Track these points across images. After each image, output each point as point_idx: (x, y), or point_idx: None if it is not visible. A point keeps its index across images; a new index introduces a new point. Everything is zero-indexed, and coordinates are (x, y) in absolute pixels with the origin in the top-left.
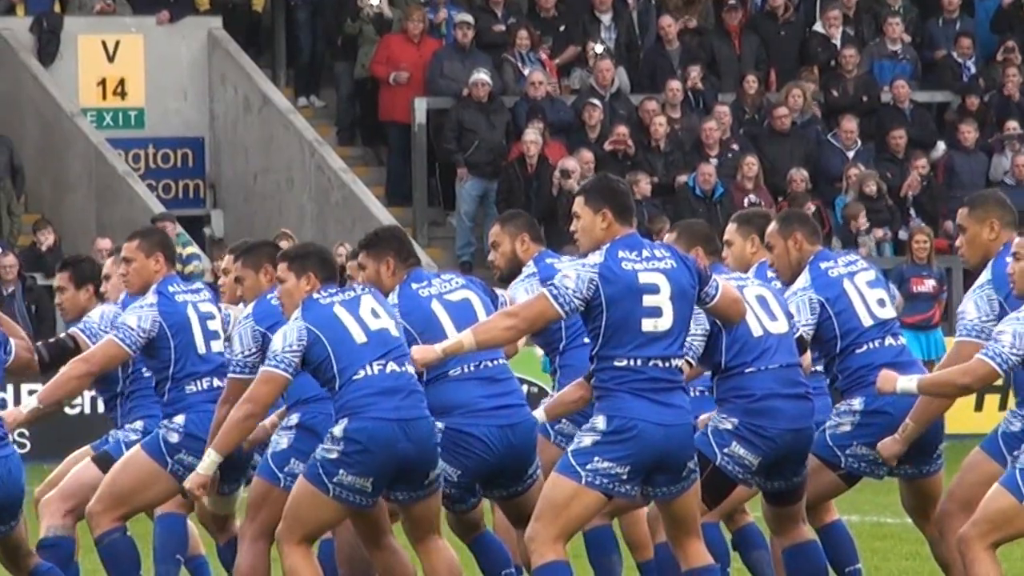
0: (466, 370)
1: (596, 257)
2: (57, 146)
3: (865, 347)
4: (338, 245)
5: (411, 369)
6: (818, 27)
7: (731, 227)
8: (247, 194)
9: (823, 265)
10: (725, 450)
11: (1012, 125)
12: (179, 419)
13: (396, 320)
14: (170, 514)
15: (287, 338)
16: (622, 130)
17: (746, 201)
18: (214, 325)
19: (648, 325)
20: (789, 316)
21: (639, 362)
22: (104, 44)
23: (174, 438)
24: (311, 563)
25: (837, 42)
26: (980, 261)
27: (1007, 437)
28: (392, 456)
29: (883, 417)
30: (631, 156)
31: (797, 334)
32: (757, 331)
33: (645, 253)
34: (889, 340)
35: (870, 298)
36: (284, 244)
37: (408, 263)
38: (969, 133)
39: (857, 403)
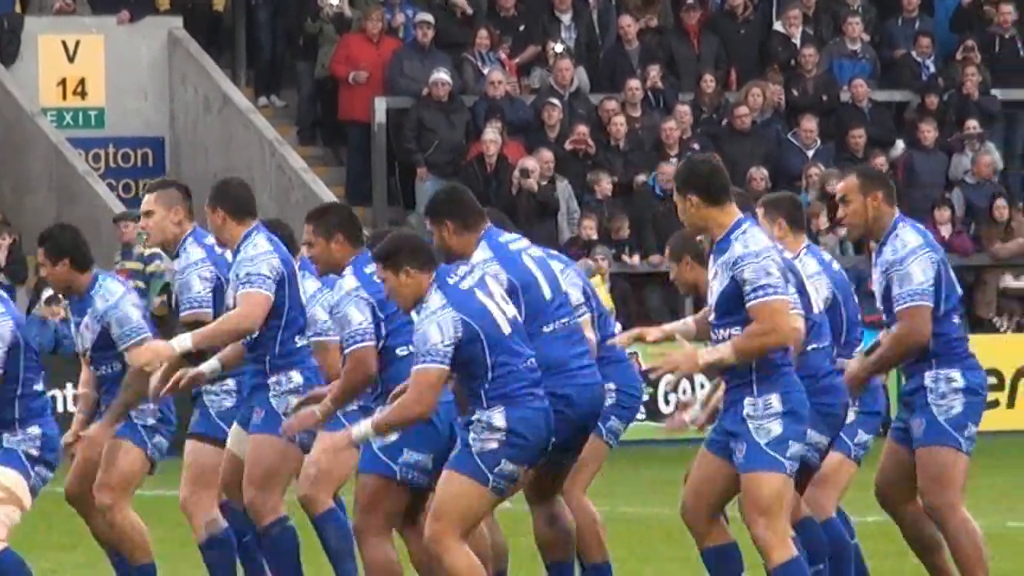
0: (557, 327)
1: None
2: (17, 146)
3: (958, 318)
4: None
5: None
6: (778, 26)
7: (759, 212)
8: (208, 193)
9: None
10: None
11: (971, 124)
12: (296, 377)
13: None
14: (333, 510)
15: (443, 331)
16: (582, 129)
17: None
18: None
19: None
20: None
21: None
22: (64, 44)
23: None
24: (474, 559)
25: (797, 41)
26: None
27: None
28: (547, 442)
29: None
30: (591, 155)
31: (912, 304)
32: (816, 309)
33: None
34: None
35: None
36: None
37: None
38: (929, 132)
39: (958, 378)
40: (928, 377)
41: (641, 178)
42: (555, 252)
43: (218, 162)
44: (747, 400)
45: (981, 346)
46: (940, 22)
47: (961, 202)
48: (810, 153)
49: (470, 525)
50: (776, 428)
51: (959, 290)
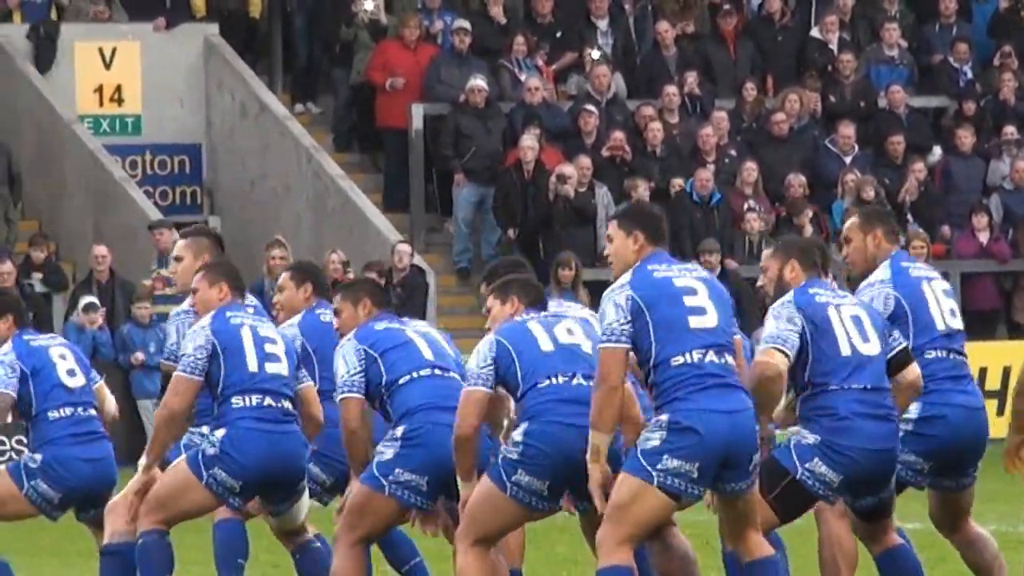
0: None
1: (625, 278)
2: (54, 153)
3: (933, 354)
4: (331, 252)
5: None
6: (815, 32)
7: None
8: (244, 201)
9: (903, 264)
10: (807, 464)
11: (1009, 130)
12: (219, 433)
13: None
14: (228, 519)
15: (481, 355)
16: (619, 136)
17: (744, 206)
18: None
19: (695, 322)
20: (884, 339)
21: (696, 357)
22: (101, 51)
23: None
24: (486, 562)
25: (834, 47)
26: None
27: None
28: (569, 460)
29: (938, 424)
30: (628, 162)
31: (896, 350)
32: (845, 350)
33: (676, 267)
34: (953, 355)
35: (944, 306)
36: (277, 252)
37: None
38: (966, 138)
39: (913, 411)
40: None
41: (678, 182)
42: None
43: (254, 169)
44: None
45: (1020, 352)
46: (978, 28)
47: (999, 208)
48: (847, 159)
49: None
50: (655, 440)
51: (945, 323)
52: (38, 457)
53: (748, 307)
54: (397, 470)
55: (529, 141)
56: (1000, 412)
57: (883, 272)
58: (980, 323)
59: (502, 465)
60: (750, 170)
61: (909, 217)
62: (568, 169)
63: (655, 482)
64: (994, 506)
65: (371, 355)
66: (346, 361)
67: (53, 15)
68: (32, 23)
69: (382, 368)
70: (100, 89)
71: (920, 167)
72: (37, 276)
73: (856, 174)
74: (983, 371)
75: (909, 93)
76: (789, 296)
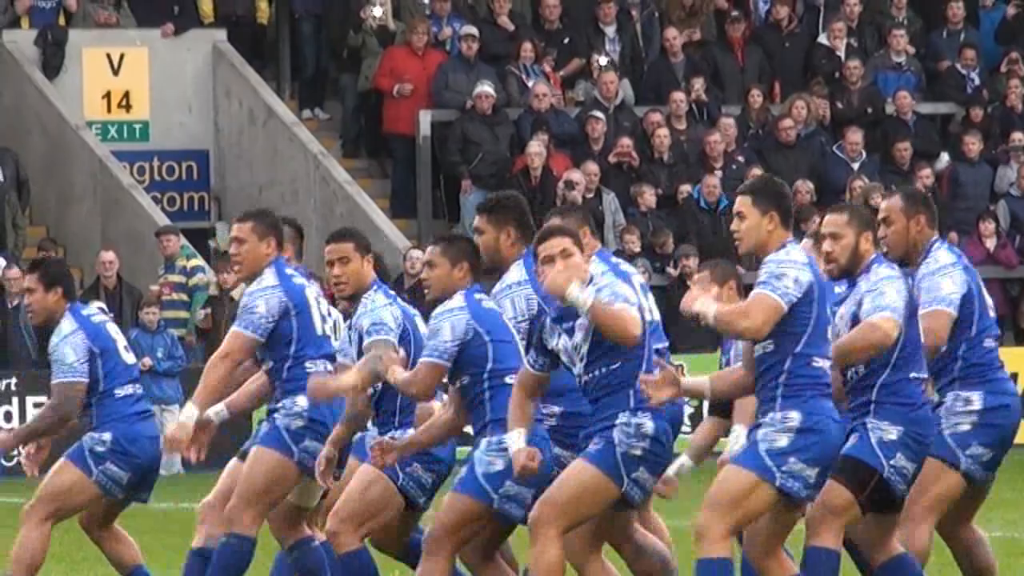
0: None
1: (799, 255)
2: (62, 159)
3: (991, 343)
4: None
5: None
6: (822, 39)
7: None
8: (252, 206)
9: (958, 250)
10: (891, 462)
11: (1017, 136)
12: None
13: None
14: (359, 551)
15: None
16: (626, 142)
17: None
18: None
19: (829, 329)
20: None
21: (826, 364)
22: (109, 57)
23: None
24: (562, 555)
25: (841, 54)
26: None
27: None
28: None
29: (1002, 413)
30: (635, 168)
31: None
32: (921, 338)
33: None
34: (998, 346)
35: (986, 296)
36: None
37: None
38: (973, 144)
39: (976, 402)
40: (949, 397)
41: (685, 188)
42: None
43: (262, 175)
44: (768, 415)
45: None
46: (985, 34)
47: (1006, 214)
48: (855, 166)
49: (575, 519)
50: (783, 441)
51: (993, 314)
52: (106, 437)
53: None
54: (508, 482)
55: (536, 147)
56: None
57: (948, 256)
58: None
59: (622, 458)
60: (755, 177)
61: None
62: (576, 175)
63: (777, 482)
64: (1001, 512)
65: (480, 337)
66: (454, 329)
67: (61, 21)
68: (40, 29)
69: (489, 354)
70: (108, 95)
71: (927, 173)
72: None
73: (863, 180)
74: None
75: (916, 99)
76: (896, 271)
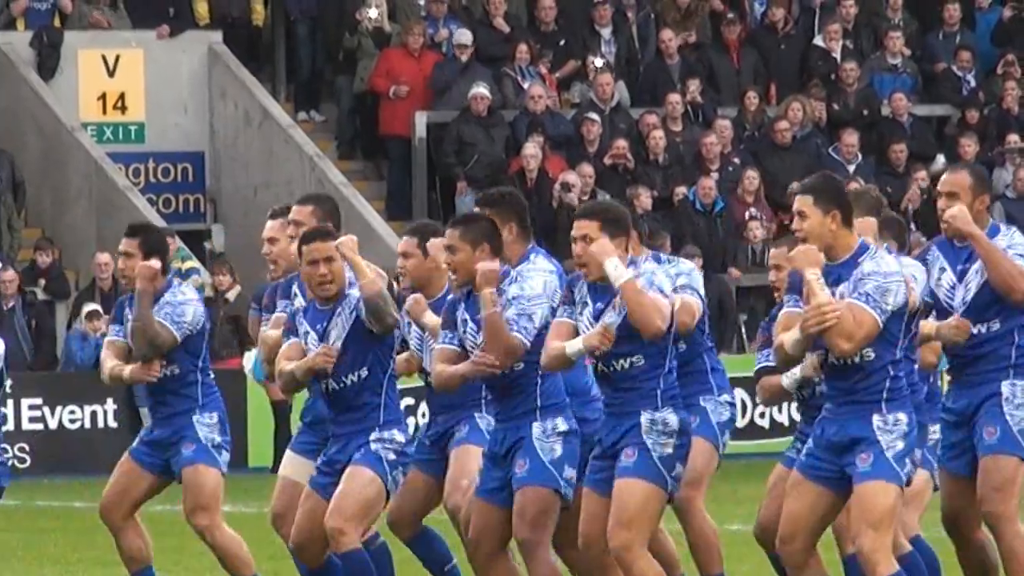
0: None
1: (893, 263)
2: (58, 160)
3: None
4: None
5: None
6: (818, 41)
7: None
8: (247, 208)
9: None
10: None
11: (1013, 138)
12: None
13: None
14: (359, 549)
15: None
16: (621, 144)
17: (747, 215)
18: None
19: None
20: None
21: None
22: (104, 58)
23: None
24: (655, 564)
25: (837, 56)
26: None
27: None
28: None
29: None
30: (631, 170)
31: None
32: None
33: None
34: None
35: None
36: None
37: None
38: (969, 146)
39: None
40: (1006, 386)
41: (681, 190)
42: None
43: (258, 177)
44: (875, 416)
45: None
46: (981, 36)
47: (1002, 216)
48: (851, 168)
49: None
50: (901, 444)
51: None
52: (214, 417)
53: (731, 315)
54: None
55: (532, 149)
56: None
57: (1017, 237)
58: None
59: (660, 461)
60: (751, 178)
61: (912, 225)
62: (572, 177)
63: (904, 482)
64: None
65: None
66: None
67: (56, 22)
68: (35, 30)
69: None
70: (103, 97)
71: (923, 175)
72: (40, 283)
73: (859, 182)
74: None
75: (912, 101)
76: None
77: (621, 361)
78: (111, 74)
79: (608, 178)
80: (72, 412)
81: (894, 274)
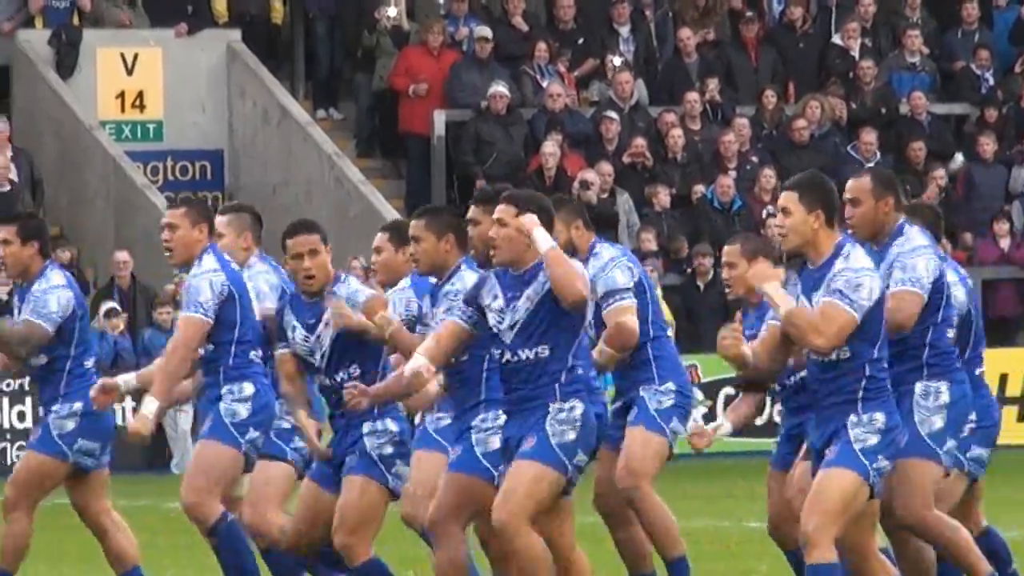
0: None
1: (866, 260)
2: (76, 159)
3: (952, 332)
4: (352, 259)
5: None
6: (836, 39)
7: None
8: (266, 206)
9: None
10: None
11: None
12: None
13: None
14: (375, 558)
15: None
16: (639, 142)
17: (764, 213)
18: None
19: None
20: None
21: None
22: (123, 57)
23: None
24: (538, 541)
25: (855, 54)
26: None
27: None
28: None
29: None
30: (649, 168)
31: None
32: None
33: None
34: None
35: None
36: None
37: None
38: (988, 145)
39: (945, 391)
40: (918, 387)
41: (699, 188)
42: None
43: (276, 175)
44: (852, 415)
45: None
46: (999, 35)
47: (1020, 215)
48: (869, 166)
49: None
50: (873, 440)
51: (956, 306)
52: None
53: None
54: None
55: (550, 147)
56: (1020, 418)
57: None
58: (1001, 329)
59: (560, 448)
60: (769, 177)
61: None
62: (591, 175)
63: (869, 476)
64: (1010, 513)
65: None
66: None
67: (75, 21)
68: (54, 29)
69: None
70: (122, 95)
71: (941, 174)
72: None
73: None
74: (1004, 377)
75: (931, 100)
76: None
77: (527, 352)
78: (129, 72)
79: (626, 176)
80: None
81: (865, 269)
